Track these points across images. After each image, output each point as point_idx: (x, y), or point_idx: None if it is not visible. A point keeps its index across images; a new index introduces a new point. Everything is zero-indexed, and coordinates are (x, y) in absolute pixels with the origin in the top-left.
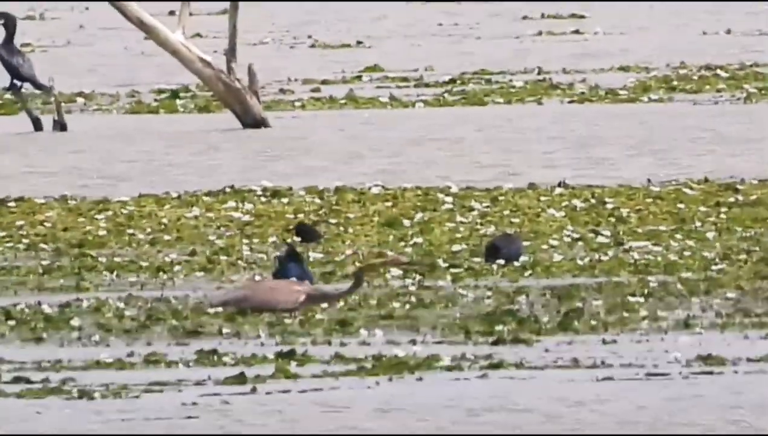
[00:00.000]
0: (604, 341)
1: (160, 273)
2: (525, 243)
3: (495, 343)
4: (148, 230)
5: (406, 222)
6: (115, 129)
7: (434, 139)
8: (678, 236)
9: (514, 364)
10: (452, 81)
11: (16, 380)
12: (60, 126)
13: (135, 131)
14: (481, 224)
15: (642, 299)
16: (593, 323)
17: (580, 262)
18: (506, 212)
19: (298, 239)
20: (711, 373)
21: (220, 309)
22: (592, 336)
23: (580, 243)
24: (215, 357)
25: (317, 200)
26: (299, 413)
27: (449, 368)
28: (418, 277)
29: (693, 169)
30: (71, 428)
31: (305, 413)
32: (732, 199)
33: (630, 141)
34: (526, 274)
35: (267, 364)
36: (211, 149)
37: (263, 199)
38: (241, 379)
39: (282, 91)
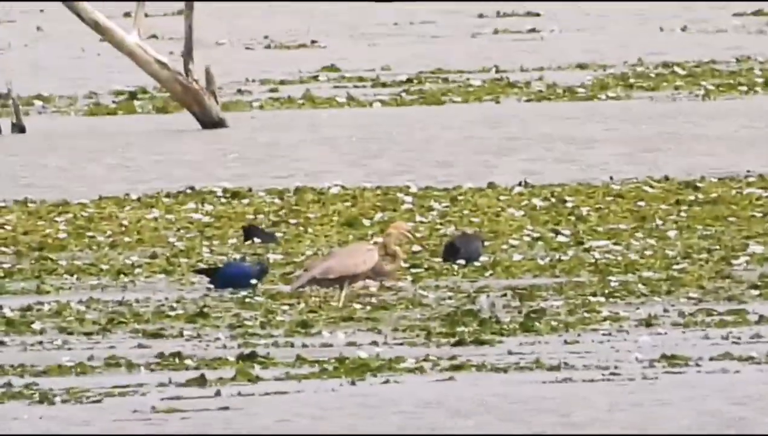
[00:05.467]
0: (566, 342)
1: (121, 276)
2: (485, 243)
3: (457, 344)
4: (108, 232)
5: (366, 222)
6: (73, 131)
7: (394, 138)
8: (639, 235)
9: (476, 365)
10: (409, 80)
11: None
12: (18, 128)
13: (94, 133)
14: (441, 224)
15: (603, 299)
16: (554, 323)
17: (540, 262)
18: (466, 212)
19: (258, 241)
20: (674, 373)
21: (303, 289)
22: (554, 336)
23: (540, 243)
24: (177, 360)
25: (277, 201)
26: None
27: (412, 370)
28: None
29: (653, 167)
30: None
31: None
32: (692, 198)
33: (590, 139)
34: (487, 274)
35: (228, 366)
36: (170, 150)
37: (223, 200)
38: (201, 381)
39: (240, 91)
